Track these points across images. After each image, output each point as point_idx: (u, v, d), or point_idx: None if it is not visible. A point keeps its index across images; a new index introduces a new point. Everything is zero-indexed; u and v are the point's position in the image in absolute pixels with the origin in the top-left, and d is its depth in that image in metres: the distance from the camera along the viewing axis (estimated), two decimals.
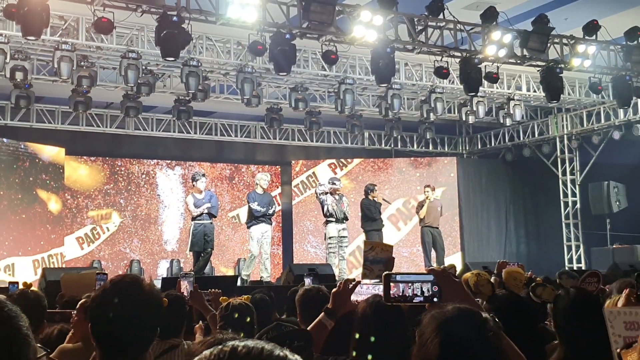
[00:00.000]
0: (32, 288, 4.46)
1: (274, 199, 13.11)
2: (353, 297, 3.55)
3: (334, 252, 12.65)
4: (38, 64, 12.83)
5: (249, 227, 12.26)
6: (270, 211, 12.32)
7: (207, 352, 1.22)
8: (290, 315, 5.46)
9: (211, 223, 11.85)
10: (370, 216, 13.24)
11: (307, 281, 7.79)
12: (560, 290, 3.91)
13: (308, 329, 3.39)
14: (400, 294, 2.29)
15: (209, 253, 11.88)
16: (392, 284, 2.29)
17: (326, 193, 12.83)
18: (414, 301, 2.29)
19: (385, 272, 2.33)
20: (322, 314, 3.47)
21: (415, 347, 1.92)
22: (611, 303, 4.01)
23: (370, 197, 13.40)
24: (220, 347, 1.22)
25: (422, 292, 2.28)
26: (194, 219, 11.75)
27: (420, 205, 14.02)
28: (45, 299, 3.91)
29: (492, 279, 6.15)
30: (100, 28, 10.38)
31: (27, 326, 1.54)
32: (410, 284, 2.29)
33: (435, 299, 2.25)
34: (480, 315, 1.91)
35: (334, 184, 12.98)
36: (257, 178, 12.71)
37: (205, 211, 11.66)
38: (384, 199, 14.09)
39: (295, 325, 3.97)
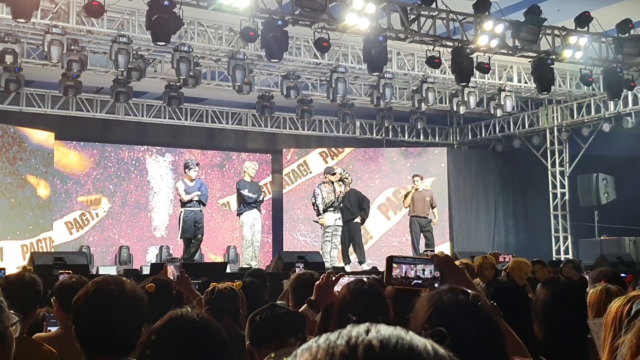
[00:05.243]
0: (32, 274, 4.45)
1: (261, 187, 12.99)
2: (336, 289, 3.57)
3: (329, 241, 12.63)
4: (28, 47, 12.73)
5: (240, 214, 12.22)
6: (261, 198, 12.36)
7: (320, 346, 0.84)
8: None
9: (201, 211, 11.88)
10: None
11: (298, 270, 7.80)
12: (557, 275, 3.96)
13: None
14: (403, 275, 2.29)
15: (200, 240, 11.93)
16: (394, 265, 2.29)
17: (323, 183, 12.69)
18: (414, 284, 2.29)
19: (388, 255, 2.34)
20: (305, 305, 3.50)
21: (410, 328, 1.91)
22: (594, 293, 4.04)
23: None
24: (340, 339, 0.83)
25: (423, 276, 2.29)
26: (183, 205, 11.75)
27: (405, 195, 13.98)
28: (41, 283, 3.90)
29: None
30: (91, 11, 10.34)
31: None
32: (412, 266, 2.30)
33: (436, 284, 2.24)
34: (473, 293, 1.90)
35: (334, 174, 12.70)
36: (245, 166, 12.63)
37: (196, 198, 11.67)
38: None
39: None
